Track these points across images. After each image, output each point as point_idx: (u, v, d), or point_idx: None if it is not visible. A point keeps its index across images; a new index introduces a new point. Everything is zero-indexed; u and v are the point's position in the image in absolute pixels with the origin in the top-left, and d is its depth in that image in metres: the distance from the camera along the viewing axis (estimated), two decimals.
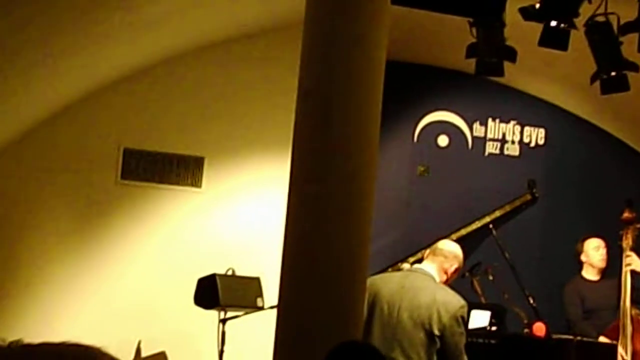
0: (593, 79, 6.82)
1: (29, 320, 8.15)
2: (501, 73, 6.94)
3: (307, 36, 5.54)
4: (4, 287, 8.17)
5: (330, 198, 5.28)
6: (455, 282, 7.58)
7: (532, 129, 9.43)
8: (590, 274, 8.33)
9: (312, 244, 5.29)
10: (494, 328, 7.52)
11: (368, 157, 5.45)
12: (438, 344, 5.94)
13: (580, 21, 6.41)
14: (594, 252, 8.30)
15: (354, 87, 5.41)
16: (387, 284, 6.17)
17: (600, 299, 8.16)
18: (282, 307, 5.34)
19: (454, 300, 6.07)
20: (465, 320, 6.18)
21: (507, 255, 8.48)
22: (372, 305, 6.06)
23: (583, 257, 8.35)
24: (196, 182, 8.52)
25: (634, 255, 7.89)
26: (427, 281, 6.16)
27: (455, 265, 6.31)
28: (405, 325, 5.98)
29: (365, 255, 5.38)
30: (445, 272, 6.26)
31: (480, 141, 9.32)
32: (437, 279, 6.20)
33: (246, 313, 7.45)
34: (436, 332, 5.92)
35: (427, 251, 6.45)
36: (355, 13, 5.44)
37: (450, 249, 6.36)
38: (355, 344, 3.54)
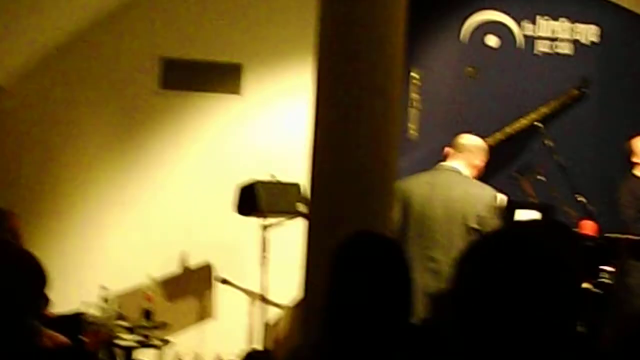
0: None
1: (73, 235, 8.24)
2: None
3: None
4: (46, 202, 8.24)
5: (356, 101, 5.18)
6: (504, 181, 7.47)
7: (583, 26, 9.14)
8: None
9: (341, 148, 5.21)
10: None
11: (395, 57, 5.32)
12: (473, 237, 5.87)
13: None
14: None
15: None
16: (417, 185, 6.13)
17: None
18: (313, 212, 5.29)
19: (487, 192, 6.06)
20: (508, 214, 6.13)
21: (556, 154, 8.30)
22: (405, 207, 6.02)
23: (634, 157, 8.11)
24: (235, 89, 8.45)
25: None
26: (457, 176, 6.13)
27: (483, 158, 6.24)
28: (440, 222, 5.96)
29: (393, 157, 5.29)
30: (475, 167, 6.21)
31: (530, 40, 9.06)
32: (467, 174, 6.14)
33: (287, 219, 7.42)
34: (472, 224, 5.88)
35: (449, 149, 6.31)
36: None
37: (474, 143, 6.29)
38: (368, 233, 3.44)
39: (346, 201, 5.10)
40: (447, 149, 6.31)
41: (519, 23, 9.03)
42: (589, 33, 9.11)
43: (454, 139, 6.36)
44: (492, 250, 1.95)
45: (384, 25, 5.27)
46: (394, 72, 5.33)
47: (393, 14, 5.31)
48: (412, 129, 8.48)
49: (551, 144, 8.43)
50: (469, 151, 6.22)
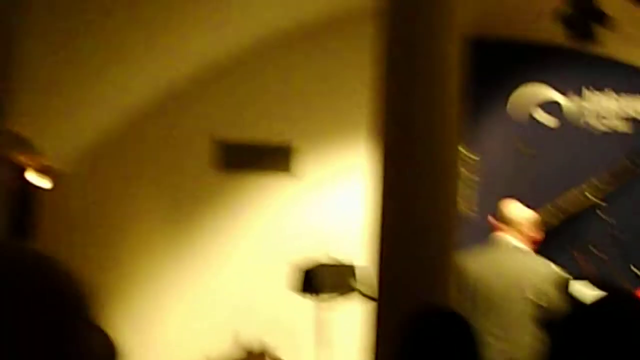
0: None
1: (131, 315, 8.25)
2: (593, 38, 6.68)
3: (384, 18, 5.50)
4: (105, 282, 8.27)
5: (415, 177, 5.21)
6: (560, 255, 7.40)
7: (633, 99, 9.10)
8: None
9: (401, 223, 5.23)
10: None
11: (451, 134, 5.35)
12: (536, 311, 5.81)
13: None
14: None
15: (434, 63, 5.32)
16: (474, 260, 6.07)
17: None
18: (380, 291, 5.29)
19: (544, 264, 6.03)
20: (563, 287, 6.06)
21: (613, 229, 8.23)
22: (462, 283, 5.97)
23: None
24: (288, 170, 8.50)
25: None
26: (513, 250, 6.06)
27: (536, 229, 6.20)
28: (499, 296, 5.90)
29: (452, 231, 5.29)
30: (529, 238, 6.16)
31: (577, 114, 9.04)
32: (523, 247, 6.09)
33: (344, 299, 7.39)
34: (532, 297, 5.81)
35: (499, 223, 6.25)
36: None
37: (522, 215, 6.24)
38: (439, 309, 3.42)
39: (412, 280, 5.09)
40: (496, 222, 6.26)
41: (569, 97, 9.02)
42: (638, 107, 9.08)
43: (502, 211, 6.31)
44: (597, 324, 1.95)
45: (442, 104, 5.31)
46: (452, 151, 5.36)
47: (450, 93, 5.35)
48: (468, 207, 8.46)
49: (607, 217, 8.35)
50: (519, 223, 6.18)
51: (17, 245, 1.27)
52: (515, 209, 6.31)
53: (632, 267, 7.88)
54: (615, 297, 2.33)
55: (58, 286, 1.29)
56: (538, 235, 6.25)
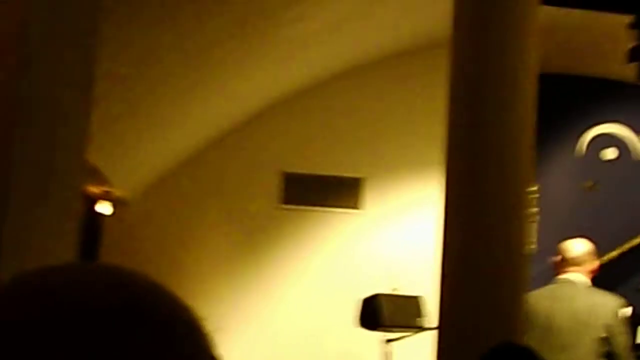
0: None
1: None
2: None
3: (454, 51, 5.50)
4: None
5: (485, 213, 5.20)
6: (627, 293, 7.34)
7: None
8: None
9: (470, 258, 5.21)
10: None
11: (523, 169, 5.34)
12: (602, 347, 5.78)
13: None
14: None
15: (506, 98, 5.32)
16: (539, 299, 6.04)
17: None
18: (442, 325, 5.26)
19: (612, 299, 5.98)
20: (628, 319, 6.04)
21: None
22: (533, 321, 5.95)
23: None
24: (355, 203, 8.53)
25: None
26: (578, 287, 6.05)
27: (596, 261, 6.17)
28: (566, 334, 5.87)
29: (524, 266, 5.27)
30: (591, 272, 6.13)
31: None
32: (587, 283, 6.06)
33: (412, 333, 7.37)
34: (600, 333, 5.78)
35: (562, 264, 6.22)
36: (501, 23, 5.35)
37: (583, 251, 6.20)
38: (512, 345, 3.43)
39: (479, 313, 5.07)
40: (559, 260, 6.24)
41: (636, 134, 8.97)
42: None
43: (563, 249, 6.28)
44: None
45: (513, 140, 5.30)
46: (520, 187, 5.35)
47: (523, 128, 5.34)
48: (530, 242, 8.41)
49: None
50: (582, 260, 6.16)
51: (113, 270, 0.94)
52: (577, 246, 6.29)
53: None
54: None
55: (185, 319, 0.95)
56: (596, 267, 6.24)
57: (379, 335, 7.51)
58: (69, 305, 0.88)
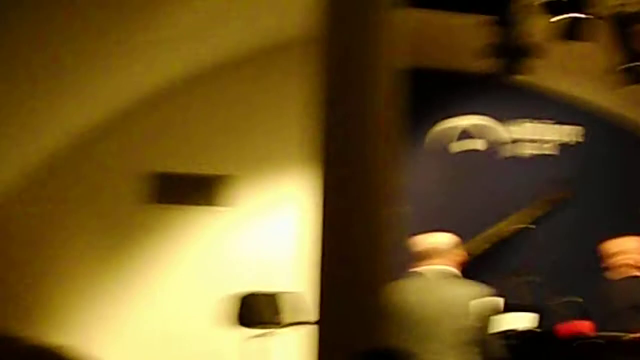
0: (615, 71, 6.76)
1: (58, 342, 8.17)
2: (518, 72, 6.87)
3: (318, 49, 5.56)
4: (38, 315, 8.19)
5: (355, 206, 5.27)
6: (496, 283, 7.53)
7: (562, 127, 9.35)
8: (626, 270, 8.17)
9: (338, 253, 5.28)
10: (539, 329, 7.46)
11: (388, 164, 5.43)
12: (468, 335, 5.93)
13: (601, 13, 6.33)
14: (625, 251, 8.17)
15: (368, 94, 5.40)
16: (405, 290, 6.14)
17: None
18: (320, 320, 5.32)
19: (477, 289, 6.10)
20: (496, 308, 6.20)
21: (543, 253, 8.41)
22: (399, 312, 6.05)
23: (615, 256, 8.21)
24: (223, 201, 8.53)
25: None
26: (442, 277, 6.18)
27: (460, 252, 6.31)
28: (434, 324, 5.99)
29: (389, 259, 5.37)
30: (456, 263, 6.27)
31: (503, 142, 9.24)
32: (453, 273, 6.20)
33: (276, 329, 7.41)
34: (466, 322, 5.92)
35: (424, 255, 6.36)
36: (362, 22, 5.43)
37: (444, 242, 6.33)
38: (381, 350, 3.49)
39: (352, 308, 5.14)
40: (421, 252, 6.36)
41: (497, 126, 9.22)
42: (567, 134, 9.31)
43: (424, 241, 6.41)
44: None
45: (378, 133, 5.38)
46: (386, 182, 5.43)
47: (387, 121, 5.43)
48: (399, 236, 8.55)
49: (536, 241, 8.53)
50: (447, 251, 6.29)
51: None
52: (434, 238, 6.41)
53: (560, 293, 8.03)
54: None
55: None
56: (461, 258, 6.38)
57: (246, 332, 7.53)
58: None
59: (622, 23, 6.46)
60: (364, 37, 5.44)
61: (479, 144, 9.24)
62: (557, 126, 9.35)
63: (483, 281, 6.44)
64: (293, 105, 8.27)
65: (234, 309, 7.36)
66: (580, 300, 7.97)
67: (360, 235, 5.22)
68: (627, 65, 6.80)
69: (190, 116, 8.57)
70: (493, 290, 6.37)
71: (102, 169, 8.45)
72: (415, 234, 7.77)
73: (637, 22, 6.40)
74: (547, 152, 9.32)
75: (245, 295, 7.34)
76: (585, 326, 7.35)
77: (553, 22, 6.29)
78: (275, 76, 8.53)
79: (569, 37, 6.35)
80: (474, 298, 6.04)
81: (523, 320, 7.34)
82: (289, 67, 8.43)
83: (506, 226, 8.84)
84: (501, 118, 9.28)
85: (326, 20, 5.52)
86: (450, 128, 9.19)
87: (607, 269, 8.28)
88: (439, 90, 9.15)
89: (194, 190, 8.52)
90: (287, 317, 7.27)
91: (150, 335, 8.25)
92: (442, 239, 6.38)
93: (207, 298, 8.15)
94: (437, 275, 6.24)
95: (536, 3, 6.18)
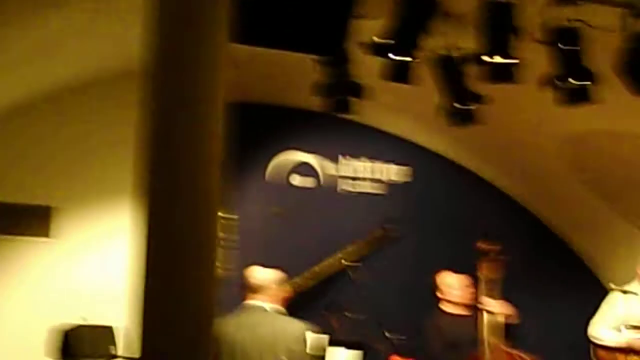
0: (440, 112, 6.93)
1: None
2: (348, 110, 6.96)
3: (147, 80, 5.49)
4: None
5: (180, 239, 5.23)
6: (314, 319, 7.59)
7: (391, 166, 9.52)
8: (449, 307, 8.36)
9: (161, 287, 5.21)
10: None
11: (215, 196, 5.41)
12: None
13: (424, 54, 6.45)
14: (447, 288, 8.36)
15: (197, 129, 5.36)
16: (227, 324, 6.09)
17: (461, 332, 8.18)
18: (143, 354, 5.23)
19: (296, 325, 6.11)
20: (320, 344, 6.22)
21: (365, 291, 8.50)
22: (223, 347, 6.01)
23: (438, 293, 8.39)
24: (44, 232, 8.36)
25: (489, 299, 7.97)
26: (264, 312, 6.16)
27: (284, 287, 6.33)
28: (254, 358, 5.96)
29: (213, 293, 5.33)
30: (279, 298, 6.28)
31: (333, 179, 9.36)
32: (275, 309, 6.21)
33: None
34: (284, 357, 5.92)
35: (247, 290, 6.35)
36: (191, 57, 5.41)
37: (266, 278, 6.33)
38: None
39: (175, 339, 5.08)
40: (245, 286, 6.34)
41: (323, 163, 9.31)
42: (397, 173, 9.49)
43: (247, 278, 6.39)
44: None
45: (203, 168, 5.35)
46: (212, 214, 5.40)
47: (212, 156, 5.41)
48: (225, 267, 8.52)
49: (360, 279, 8.63)
50: (267, 287, 6.28)
51: None
52: (259, 273, 6.40)
53: (384, 330, 8.15)
54: None
55: None
56: (286, 294, 6.39)
57: None
58: None
59: (448, 66, 6.63)
60: (193, 71, 5.40)
61: (309, 181, 9.32)
62: (387, 165, 9.51)
63: (308, 317, 6.48)
64: (126, 135, 8.17)
65: (57, 342, 7.21)
66: (404, 338, 8.10)
67: (185, 268, 5.15)
68: (455, 107, 6.98)
69: (18, 146, 8.36)
70: (317, 327, 6.41)
71: None
72: (245, 267, 7.77)
73: (464, 65, 6.56)
74: (376, 191, 9.47)
75: (71, 327, 7.21)
76: None
77: (383, 63, 6.38)
78: (106, 106, 8.42)
79: (397, 79, 6.46)
80: (298, 334, 6.06)
81: (347, 357, 7.40)
82: (126, 97, 8.31)
83: (332, 263, 8.94)
84: (333, 155, 9.39)
85: (154, 53, 5.47)
86: (284, 162, 9.24)
87: (433, 306, 8.46)
88: (274, 124, 9.19)
89: (19, 221, 8.31)
90: (112, 350, 7.16)
91: None
92: (266, 275, 6.37)
93: (38, 330, 7.94)
94: (258, 310, 6.22)
95: (368, 44, 6.25)
